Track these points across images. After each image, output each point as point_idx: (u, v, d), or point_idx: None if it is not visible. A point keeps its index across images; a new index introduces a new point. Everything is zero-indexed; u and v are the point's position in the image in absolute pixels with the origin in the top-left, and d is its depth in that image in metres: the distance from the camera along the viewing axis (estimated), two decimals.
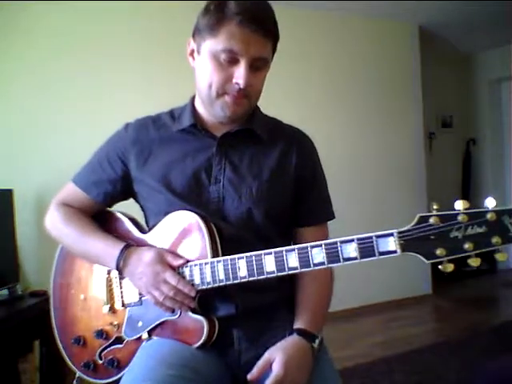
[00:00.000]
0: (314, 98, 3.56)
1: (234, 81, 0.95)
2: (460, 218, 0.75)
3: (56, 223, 1.10)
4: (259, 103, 1.08)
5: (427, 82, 4.17)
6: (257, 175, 1.03)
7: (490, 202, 0.75)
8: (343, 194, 3.30)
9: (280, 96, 3.10)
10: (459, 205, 0.76)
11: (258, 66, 0.96)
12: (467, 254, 0.76)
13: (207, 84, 0.97)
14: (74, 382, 1.14)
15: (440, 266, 0.78)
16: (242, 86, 0.94)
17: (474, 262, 0.76)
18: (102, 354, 1.05)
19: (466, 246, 0.75)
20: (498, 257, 0.76)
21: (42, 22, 2.77)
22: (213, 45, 0.94)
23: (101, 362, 1.06)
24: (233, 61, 0.94)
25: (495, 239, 0.74)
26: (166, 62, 3.03)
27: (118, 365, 1.03)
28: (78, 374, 1.09)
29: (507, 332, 2.93)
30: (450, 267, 0.77)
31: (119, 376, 1.03)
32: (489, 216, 0.74)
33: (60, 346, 1.12)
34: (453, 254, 0.76)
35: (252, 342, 1.01)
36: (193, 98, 1.09)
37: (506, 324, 3.11)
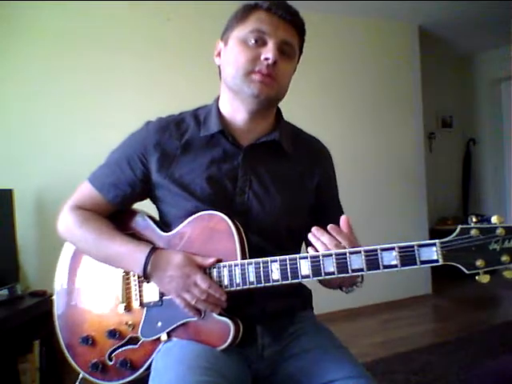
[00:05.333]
0: (314, 98, 3.55)
1: (262, 57, 0.95)
2: (498, 231, 0.79)
3: (71, 227, 1.04)
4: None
5: (427, 82, 4.16)
6: (281, 189, 1.03)
7: None
8: (343, 194, 3.27)
9: None
10: (495, 219, 0.80)
11: (284, 52, 0.97)
12: (504, 266, 0.79)
13: (235, 67, 0.97)
14: (77, 383, 1.11)
15: (477, 277, 0.82)
16: (270, 62, 0.94)
17: (509, 274, 0.80)
18: (113, 354, 1.02)
19: (504, 258, 0.79)
20: (506, 274, 0.80)
21: (42, 22, 2.76)
22: (241, 30, 0.97)
23: (111, 363, 1.02)
24: (261, 42, 0.96)
25: None
26: (167, 62, 3.02)
27: (131, 366, 1.00)
28: (82, 374, 1.05)
29: (507, 332, 2.93)
30: (486, 278, 0.81)
31: (132, 378, 1.00)
32: None
33: (63, 345, 1.07)
34: (491, 265, 0.80)
35: (275, 337, 1.01)
36: (217, 101, 1.07)
37: (506, 324, 3.11)
